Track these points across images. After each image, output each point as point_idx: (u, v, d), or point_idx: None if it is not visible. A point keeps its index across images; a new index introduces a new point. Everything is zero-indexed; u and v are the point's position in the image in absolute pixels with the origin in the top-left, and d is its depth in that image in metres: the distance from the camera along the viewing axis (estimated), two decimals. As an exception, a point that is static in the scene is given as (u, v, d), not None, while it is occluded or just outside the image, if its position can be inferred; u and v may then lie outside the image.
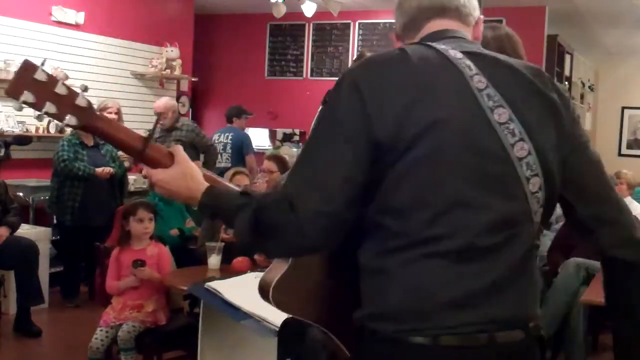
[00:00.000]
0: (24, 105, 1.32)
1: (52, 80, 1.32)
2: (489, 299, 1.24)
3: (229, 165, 6.23)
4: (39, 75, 1.31)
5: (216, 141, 6.61)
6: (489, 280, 1.24)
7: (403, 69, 1.28)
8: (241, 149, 6.60)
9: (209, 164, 6.50)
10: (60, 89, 1.33)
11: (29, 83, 1.30)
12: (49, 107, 1.32)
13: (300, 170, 1.27)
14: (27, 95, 1.30)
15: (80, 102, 1.34)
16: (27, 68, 1.31)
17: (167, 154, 1.40)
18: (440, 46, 1.31)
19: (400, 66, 1.28)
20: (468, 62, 1.29)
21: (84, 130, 1.49)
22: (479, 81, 1.27)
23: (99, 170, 5.27)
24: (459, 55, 1.30)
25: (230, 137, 6.58)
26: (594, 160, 1.38)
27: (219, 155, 6.57)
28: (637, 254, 1.35)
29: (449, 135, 1.24)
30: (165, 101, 6.28)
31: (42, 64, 1.33)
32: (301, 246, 1.26)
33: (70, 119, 1.34)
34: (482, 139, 1.25)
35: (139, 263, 3.54)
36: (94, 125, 1.38)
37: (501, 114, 1.26)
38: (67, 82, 1.40)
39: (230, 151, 6.55)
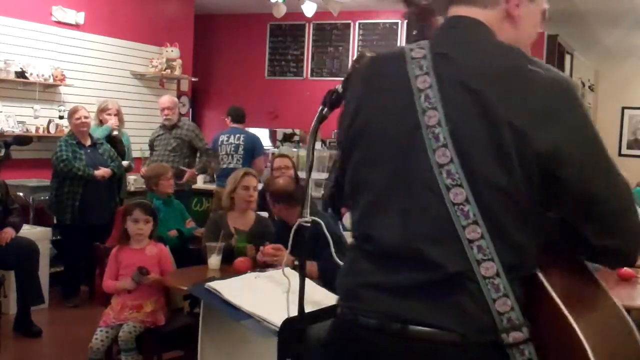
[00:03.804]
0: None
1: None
2: (396, 295, 1.27)
3: (240, 166, 6.05)
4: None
5: (225, 142, 6.43)
6: (398, 280, 1.27)
7: (365, 75, 1.41)
8: (253, 151, 6.49)
9: (211, 167, 6.40)
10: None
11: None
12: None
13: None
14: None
15: None
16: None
17: None
18: (409, 46, 1.34)
19: (364, 73, 1.41)
20: (423, 62, 1.29)
21: None
22: (423, 81, 1.27)
23: (98, 172, 5.29)
24: (420, 54, 1.31)
25: (242, 139, 6.41)
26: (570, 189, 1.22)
27: (230, 157, 6.39)
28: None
29: (375, 137, 1.32)
30: (169, 97, 6.36)
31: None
32: None
33: None
34: (407, 142, 1.26)
35: (144, 271, 3.54)
36: None
37: (431, 117, 1.24)
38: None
39: (242, 152, 6.37)
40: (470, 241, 1.20)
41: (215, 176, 6.98)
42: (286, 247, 1.78)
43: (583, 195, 1.22)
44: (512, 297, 1.20)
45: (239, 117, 6.56)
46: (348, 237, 1.67)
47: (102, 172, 5.34)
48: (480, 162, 1.21)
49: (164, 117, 6.16)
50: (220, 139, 6.47)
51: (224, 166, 6.32)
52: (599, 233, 1.24)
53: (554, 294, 1.22)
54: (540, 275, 1.25)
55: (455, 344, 1.22)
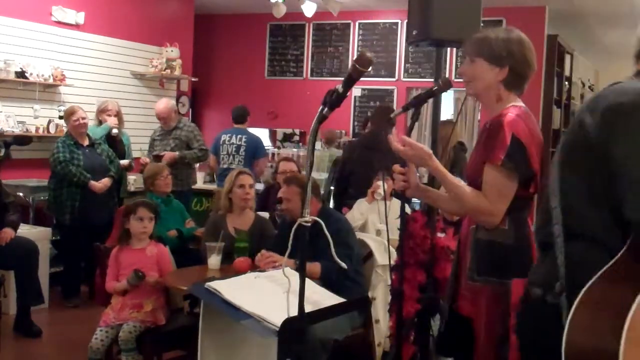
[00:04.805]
0: None
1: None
2: None
3: (241, 167, 6.00)
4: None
5: (227, 142, 6.41)
6: None
7: None
8: (255, 152, 6.46)
9: (194, 160, 6.28)
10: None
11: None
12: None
13: None
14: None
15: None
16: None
17: None
18: None
19: None
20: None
21: None
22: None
23: (97, 185, 5.27)
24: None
25: (244, 140, 6.38)
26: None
27: (231, 157, 6.36)
28: None
29: None
30: (165, 103, 6.19)
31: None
32: None
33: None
34: None
35: (140, 274, 3.54)
36: None
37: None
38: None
39: (244, 154, 6.35)
40: (553, 208, 1.62)
41: (215, 176, 6.96)
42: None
43: (611, 160, 1.50)
44: (561, 257, 1.57)
45: (239, 117, 6.53)
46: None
47: (102, 185, 5.31)
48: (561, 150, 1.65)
49: (161, 124, 6.15)
50: (222, 139, 6.45)
51: (225, 166, 6.29)
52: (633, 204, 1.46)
53: (599, 273, 1.42)
54: (620, 256, 1.44)
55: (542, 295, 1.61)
